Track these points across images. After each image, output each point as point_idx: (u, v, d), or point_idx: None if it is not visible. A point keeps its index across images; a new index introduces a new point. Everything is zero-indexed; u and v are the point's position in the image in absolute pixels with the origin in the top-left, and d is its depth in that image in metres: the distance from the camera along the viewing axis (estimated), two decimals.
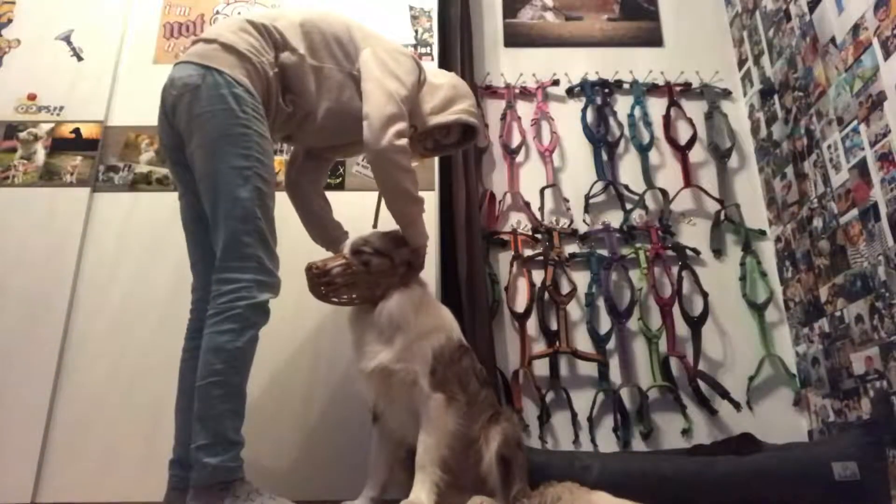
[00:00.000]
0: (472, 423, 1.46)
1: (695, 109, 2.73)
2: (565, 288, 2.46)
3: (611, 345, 2.40)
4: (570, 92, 2.80)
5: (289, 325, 2.09)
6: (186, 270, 2.15)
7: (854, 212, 2.00)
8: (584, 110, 2.73)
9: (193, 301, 1.69)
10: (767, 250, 2.53)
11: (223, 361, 1.44)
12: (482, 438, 1.46)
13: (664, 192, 2.58)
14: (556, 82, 2.78)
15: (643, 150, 2.66)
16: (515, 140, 2.71)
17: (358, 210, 2.22)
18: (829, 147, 2.13)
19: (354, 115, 1.63)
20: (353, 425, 1.91)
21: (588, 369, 2.37)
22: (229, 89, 1.50)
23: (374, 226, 1.89)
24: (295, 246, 2.18)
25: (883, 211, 1.87)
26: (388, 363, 1.45)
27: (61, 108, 2.35)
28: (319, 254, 2.18)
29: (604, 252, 2.51)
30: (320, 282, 1.51)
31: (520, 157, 2.69)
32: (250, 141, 1.52)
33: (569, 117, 2.74)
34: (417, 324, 1.49)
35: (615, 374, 2.35)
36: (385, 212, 2.21)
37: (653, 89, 2.76)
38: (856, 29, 1.98)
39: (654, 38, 2.87)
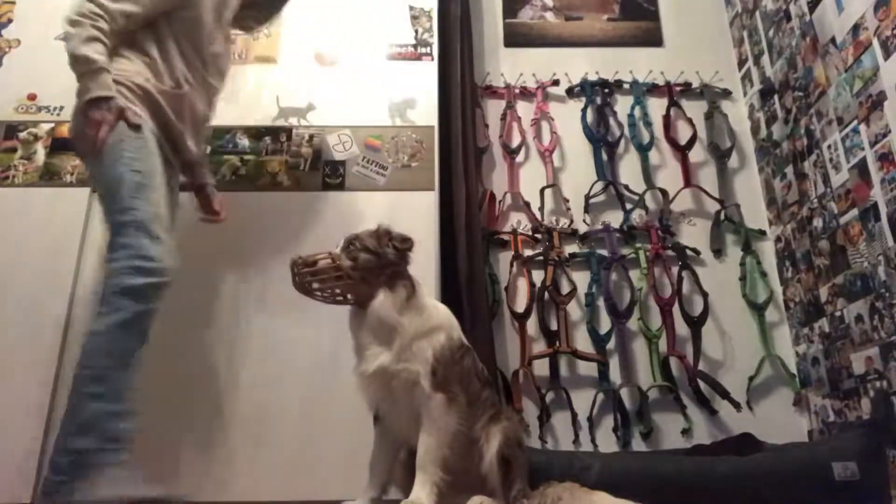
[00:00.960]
0: (472, 422, 1.46)
1: (695, 109, 2.73)
2: (565, 288, 2.46)
3: (611, 345, 2.40)
4: (570, 92, 2.80)
5: (289, 326, 2.10)
6: (186, 270, 2.15)
7: (854, 212, 2.00)
8: (584, 110, 2.73)
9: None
10: (767, 250, 2.54)
11: (88, 343, 1.52)
12: (483, 438, 1.46)
13: (664, 192, 2.58)
14: (556, 82, 2.78)
15: (643, 150, 2.66)
16: (515, 140, 2.71)
17: (358, 210, 2.23)
18: (829, 147, 2.13)
19: None
20: (354, 425, 1.90)
21: (588, 369, 2.37)
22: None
23: None
24: (296, 248, 2.19)
25: (883, 211, 1.87)
26: (388, 364, 1.44)
27: (61, 108, 2.35)
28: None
29: (604, 252, 2.51)
30: (306, 272, 1.50)
31: (520, 157, 2.69)
32: (115, 143, 1.62)
33: (569, 117, 2.74)
34: (411, 323, 1.47)
35: (615, 374, 2.35)
36: (381, 208, 2.23)
37: (653, 89, 2.76)
38: (856, 29, 1.98)
39: (654, 38, 2.87)
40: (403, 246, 1.55)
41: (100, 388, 1.48)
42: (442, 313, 1.56)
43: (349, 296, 1.53)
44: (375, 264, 1.51)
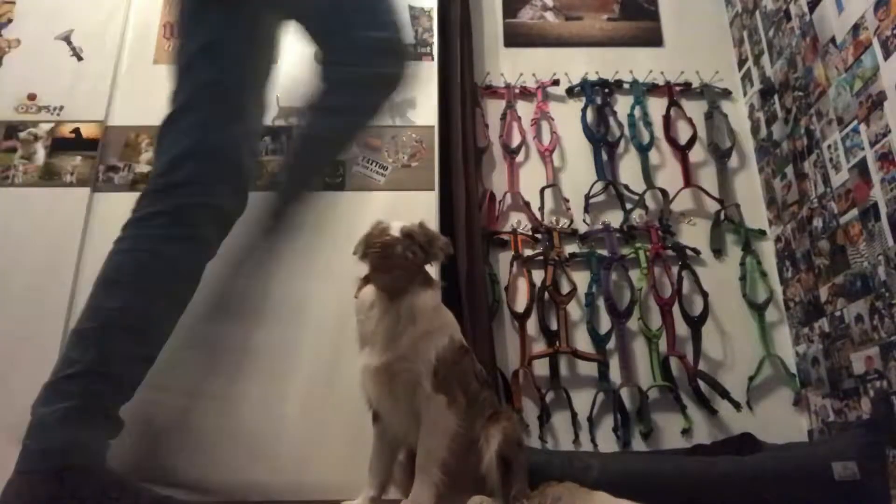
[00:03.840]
0: (472, 423, 1.46)
1: (695, 109, 2.73)
2: (565, 288, 2.46)
3: (611, 345, 2.39)
4: (570, 92, 2.80)
5: (289, 326, 2.10)
6: None
7: (854, 212, 2.00)
8: (584, 110, 2.73)
9: None
10: (767, 250, 2.53)
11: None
12: (482, 438, 1.46)
13: (664, 192, 2.58)
14: (556, 82, 2.78)
15: (643, 150, 2.66)
16: (515, 140, 2.71)
17: (358, 210, 2.23)
18: (829, 147, 2.13)
19: None
20: (354, 425, 1.90)
21: (588, 369, 2.37)
22: None
23: None
24: (294, 247, 2.19)
25: (883, 211, 1.87)
26: (393, 360, 1.44)
27: (61, 108, 2.35)
28: (325, 255, 2.18)
29: (604, 252, 2.51)
30: (384, 247, 1.44)
31: (520, 157, 2.69)
32: None
33: (569, 117, 2.74)
34: (428, 323, 1.48)
35: (615, 374, 2.35)
36: (381, 208, 2.23)
37: (653, 89, 2.76)
38: (856, 29, 1.98)
39: (654, 38, 2.87)
40: (450, 251, 1.55)
41: None
42: (446, 314, 1.56)
43: (389, 281, 1.47)
44: (422, 262, 1.49)
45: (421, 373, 1.42)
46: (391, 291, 1.48)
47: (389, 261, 1.44)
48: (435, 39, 2.52)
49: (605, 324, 2.43)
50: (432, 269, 2.14)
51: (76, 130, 2.32)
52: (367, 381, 1.48)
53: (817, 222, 2.21)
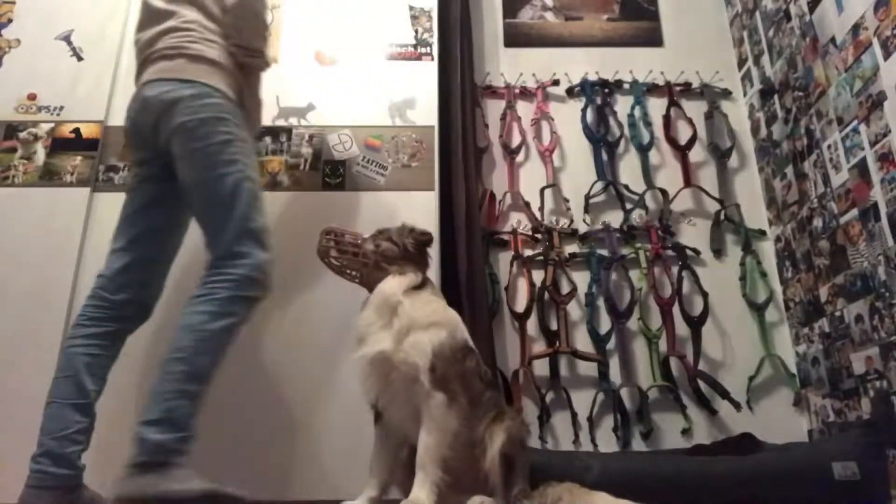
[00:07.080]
0: (475, 423, 1.46)
1: (695, 109, 2.73)
2: (565, 288, 2.46)
3: (611, 345, 2.39)
4: (570, 92, 2.79)
5: (289, 325, 2.10)
6: (186, 270, 2.15)
7: (854, 212, 2.00)
8: (584, 110, 2.73)
9: (95, 288, 1.71)
10: (767, 250, 2.53)
11: (192, 340, 1.50)
12: (486, 438, 1.46)
13: (664, 192, 2.58)
14: (556, 82, 2.78)
15: (643, 150, 2.66)
16: (515, 140, 2.71)
17: (358, 210, 2.23)
18: (829, 147, 2.13)
19: None
20: (354, 425, 1.91)
21: (588, 369, 2.37)
22: (209, 98, 1.62)
23: None
24: (296, 248, 2.19)
25: (883, 211, 1.87)
26: (388, 351, 1.45)
27: (61, 108, 2.35)
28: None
29: (604, 252, 2.50)
30: (330, 240, 1.63)
31: (520, 157, 2.69)
32: (235, 146, 1.63)
33: (569, 117, 2.74)
34: (414, 309, 1.49)
35: (615, 374, 2.35)
36: (381, 208, 2.22)
37: (653, 89, 2.76)
38: (856, 29, 1.98)
39: (654, 38, 2.87)
40: (422, 238, 1.64)
41: (198, 388, 1.50)
42: (449, 313, 1.57)
43: (358, 275, 1.65)
44: (394, 254, 1.61)
45: (418, 367, 1.43)
46: (368, 284, 1.61)
47: (340, 247, 1.62)
48: (435, 39, 2.52)
49: (605, 324, 2.43)
50: (431, 268, 2.16)
51: (76, 130, 2.32)
52: (363, 372, 1.50)
53: (817, 222, 2.21)
